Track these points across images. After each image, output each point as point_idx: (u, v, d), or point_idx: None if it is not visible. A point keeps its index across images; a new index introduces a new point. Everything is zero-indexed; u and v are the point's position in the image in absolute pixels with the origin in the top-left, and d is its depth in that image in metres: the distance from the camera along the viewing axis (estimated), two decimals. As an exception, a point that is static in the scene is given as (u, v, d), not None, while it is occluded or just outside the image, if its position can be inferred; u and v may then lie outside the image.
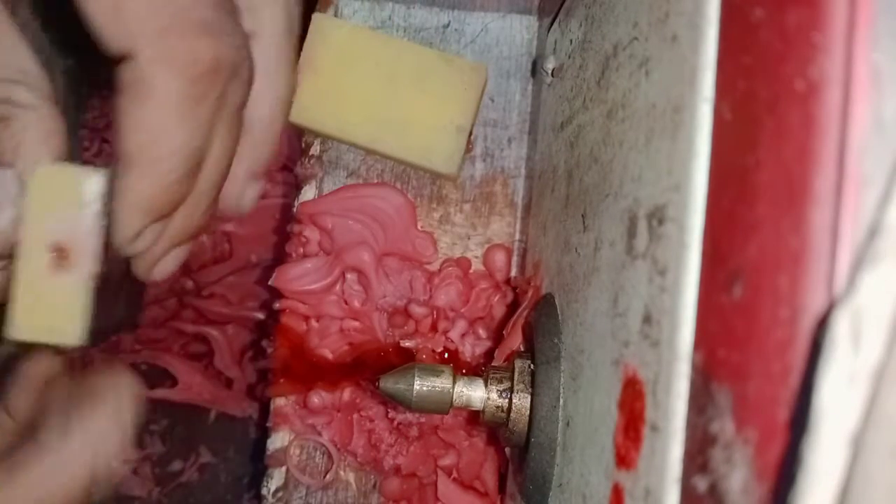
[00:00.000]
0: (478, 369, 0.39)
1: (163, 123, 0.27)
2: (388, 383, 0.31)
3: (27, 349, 0.31)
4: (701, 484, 0.17)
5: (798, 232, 0.14)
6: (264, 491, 0.41)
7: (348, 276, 0.40)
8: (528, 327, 0.33)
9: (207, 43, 0.27)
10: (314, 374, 0.40)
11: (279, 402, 0.41)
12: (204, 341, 0.55)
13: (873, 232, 0.13)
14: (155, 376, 0.54)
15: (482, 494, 0.40)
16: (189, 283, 0.55)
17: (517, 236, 0.42)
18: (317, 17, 0.40)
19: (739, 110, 0.17)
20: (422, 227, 0.41)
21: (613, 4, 0.26)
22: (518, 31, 0.43)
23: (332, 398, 0.40)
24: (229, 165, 0.32)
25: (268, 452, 0.41)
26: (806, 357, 0.14)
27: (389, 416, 0.40)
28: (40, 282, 0.28)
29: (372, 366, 0.40)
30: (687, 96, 0.19)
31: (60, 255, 0.28)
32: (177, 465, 0.54)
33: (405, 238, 0.41)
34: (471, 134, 0.40)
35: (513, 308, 0.39)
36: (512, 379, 0.31)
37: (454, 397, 0.31)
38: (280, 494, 0.41)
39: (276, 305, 0.41)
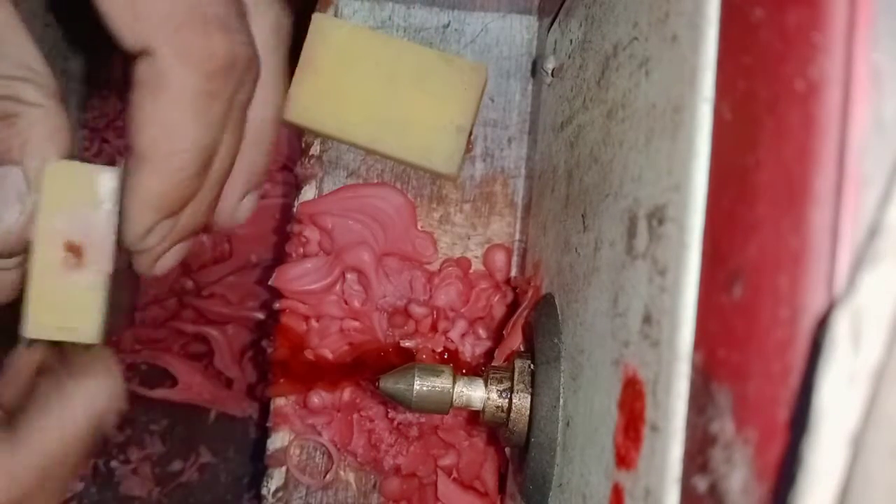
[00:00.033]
0: (478, 369, 0.39)
1: (178, 119, 0.27)
2: (388, 383, 0.31)
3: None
4: (701, 484, 0.17)
5: (798, 232, 0.14)
6: (264, 491, 0.41)
7: (348, 276, 0.40)
8: (528, 327, 0.33)
9: (222, 39, 0.27)
10: (314, 374, 0.40)
11: (279, 402, 0.41)
12: (204, 341, 0.55)
13: (873, 232, 0.13)
14: (155, 376, 0.54)
15: (482, 494, 0.40)
16: (189, 283, 0.55)
17: (517, 236, 0.42)
18: (317, 17, 0.40)
19: (739, 110, 0.17)
20: (422, 227, 0.41)
21: (613, 4, 0.26)
22: (518, 31, 0.43)
23: (332, 398, 0.40)
24: (233, 164, 0.32)
25: (268, 452, 0.41)
26: (806, 357, 0.14)
27: (389, 416, 0.40)
28: (54, 280, 0.28)
29: (372, 366, 0.40)
30: (687, 96, 0.19)
31: (74, 253, 0.28)
32: (177, 465, 0.54)
33: (405, 238, 0.41)
34: (471, 134, 0.40)
35: (513, 308, 0.39)
36: (512, 379, 0.31)
37: (454, 397, 0.31)
38: (280, 494, 0.41)
39: (276, 305, 0.41)
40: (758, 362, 0.15)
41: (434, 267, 0.41)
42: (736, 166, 0.17)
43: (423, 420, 0.40)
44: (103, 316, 0.30)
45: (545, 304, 0.31)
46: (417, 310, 0.40)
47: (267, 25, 0.32)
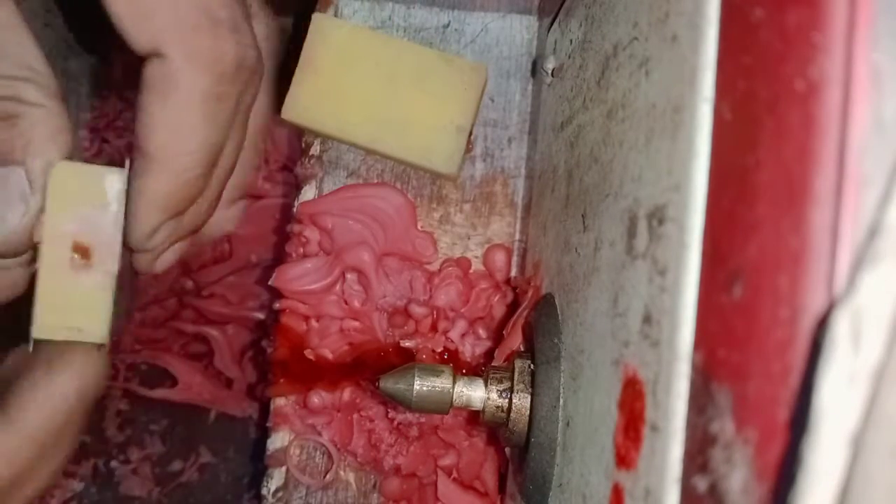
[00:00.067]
0: (478, 369, 0.39)
1: (187, 121, 0.28)
2: (388, 383, 0.31)
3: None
4: (701, 484, 0.17)
5: (798, 232, 0.14)
6: (264, 491, 0.41)
7: (348, 276, 0.40)
8: (528, 327, 0.33)
9: (231, 41, 0.28)
10: (314, 374, 0.40)
11: (279, 402, 0.41)
12: (204, 341, 0.55)
13: (873, 232, 0.13)
14: (155, 376, 0.54)
15: (482, 494, 0.40)
16: (189, 283, 0.55)
17: (517, 236, 0.42)
18: (317, 17, 0.40)
19: (739, 110, 0.17)
20: (422, 227, 0.41)
21: (613, 4, 0.26)
22: (518, 31, 0.43)
23: (332, 398, 0.40)
24: (235, 164, 0.32)
25: (268, 452, 0.41)
26: (806, 357, 0.14)
27: (389, 416, 0.40)
28: (62, 281, 0.28)
29: (372, 366, 0.40)
30: (687, 96, 0.19)
31: (82, 254, 0.28)
32: (177, 465, 0.54)
33: (405, 238, 0.41)
34: (471, 134, 0.40)
35: (513, 308, 0.39)
36: (512, 379, 0.31)
37: (454, 397, 0.31)
38: (280, 494, 0.41)
39: (276, 305, 0.41)
40: (758, 362, 0.15)
41: (434, 267, 0.41)
42: (736, 166, 0.17)
43: (423, 420, 0.40)
44: (110, 316, 0.30)
45: (545, 304, 0.31)
46: (417, 310, 0.40)
47: (260, 32, 0.32)
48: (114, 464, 0.54)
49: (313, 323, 0.40)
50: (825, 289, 0.14)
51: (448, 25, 0.42)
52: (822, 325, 0.13)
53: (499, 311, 0.41)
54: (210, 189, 0.31)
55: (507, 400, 0.31)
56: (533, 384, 0.30)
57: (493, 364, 0.34)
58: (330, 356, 0.40)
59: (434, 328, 0.40)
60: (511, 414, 0.30)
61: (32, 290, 0.30)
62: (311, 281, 0.40)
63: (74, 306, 0.29)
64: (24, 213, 0.28)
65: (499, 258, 0.41)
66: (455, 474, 0.40)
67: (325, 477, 0.41)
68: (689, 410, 0.18)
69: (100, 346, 0.30)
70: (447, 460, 0.40)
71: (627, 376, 0.21)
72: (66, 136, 0.29)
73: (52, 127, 0.28)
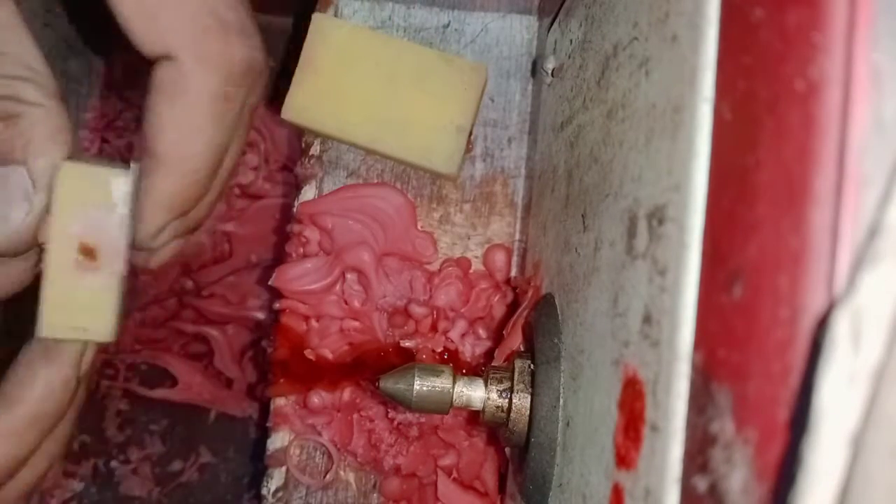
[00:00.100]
0: (478, 369, 0.39)
1: (197, 122, 0.28)
2: (388, 383, 0.31)
3: None
4: (701, 484, 0.17)
5: (798, 232, 0.14)
6: (264, 491, 0.41)
7: (348, 276, 0.40)
8: (528, 327, 0.33)
9: (241, 44, 0.28)
10: (314, 374, 0.40)
11: (279, 402, 0.41)
12: (204, 341, 0.55)
13: (873, 232, 0.13)
14: (155, 376, 0.54)
15: (482, 494, 0.40)
16: (189, 283, 0.55)
17: (517, 236, 0.42)
18: (317, 17, 0.40)
19: (739, 110, 0.17)
20: (422, 227, 0.41)
21: (613, 4, 0.26)
22: (518, 31, 0.43)
23: (332, 398, 0.40)
24: (236, 164, 0.33)
25: (268, 452, 0.41)
26: (806, 357, 0.14)
27: (389, 416, 0.40)
28: (69, 281, 0.29)
29: (372, 366, 0.40)
30: (687, 96, 0.19)
31: (88, 255, 0.28)
32: (177, 465, 0.54)
33: (405, 238, 0.41)
34: (471, 134, 0.40)
35: (513, 308, 0.39)
36: (512, 379, 0.31)
37: (454, 397, 0.31)
38: (280, 494, 0.41)
39: (276, 305, 0.41)
40: (758, 362, 0.15)
41: (434, 267, 0.41)
42: (736, 166, 0.17)
43: (423, 420, 0.40)
44: (116, 315, 0.30)
45: (545, 304, 0.31)
46: (417, 310, 0.40)
47: None
48: (114, 464, 0.54)
49: (313, 323, 0.40)
50: (825, 289, 0.14)
51: (448, 25, 0.42)
52: (822, 325, 0.13)
53: (499, 311, 0.41)
54: (212, 189, 0.32)
55: (507, 400, 0.31)
56: (533, 384, 0.30)
57: (493, 364, 0.34)
58: (330, 356, 0.40)
59: (434, 328, 0.40)
60: (511, 414, 0.30)
61: (35, 288, 0.31)
62: (311, 281, 0.40)
63: (80, 306, 0.29)
64: (28, 211, 0.28)
65: (499, 258, 0.41)
66: (455, 474, 0.40)
67: (325, 477, 0.41)
68: (689, 410, 0.18)
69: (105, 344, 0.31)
70: (447, 460, 0.40)
71: (627, 376, 0.21)
72: (67, 136, 0.29)
73: (52, 126, 0.28)
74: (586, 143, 0.28)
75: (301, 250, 0.41)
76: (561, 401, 0.28)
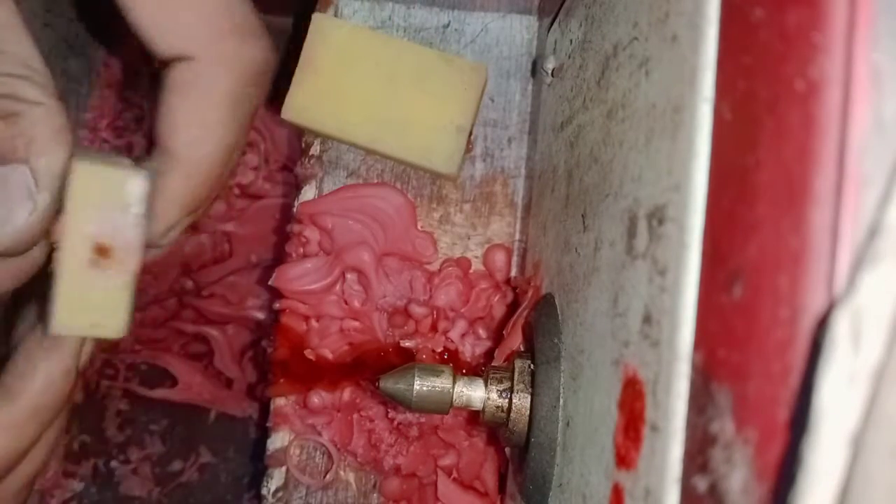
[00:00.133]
0: (478, 369, 0.39)
1: (213, 121, 0.29)
2: (388, 383, 0.31)
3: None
4: (701, 484, 0.17)
5: (798, 232, 0.14)
6: (264, 491, 0.41)
7: (348, 276, 0.40)
8: (528, 327, 0.33)
9: (256, 45, 0.29)
10: (314, 374, 0.40)
11: (279, 402, 0.41)
12: (204, 341, 0.55)
13: (873, 232, 0.13)
14: (155, 376, 0.54)
15: (482, 494, 0.40)
16: (189, 283, 0.55)
17: (517, 236, 0.42)
18: (317, 17, 0.40)
19: (739, 110, 0.17)
20: (422, 227, 0.41)
21: (613, 4, 0.26)
22: (518, 31, 0.43)
23: (332, 398, 0.40)
24: (237, 164, 0.33)
25: (268, 452, 0.41)
26: (806, 357, 0.14)
27: (389, 416, 0.40)
28: (82, 280, 0.29)
29: (372, 366, 0.40)
30: (687, 96, 0.19)
31: (103, 254, 0.29)
32: (177, 465, 0.54)
33: (405, 238, 0.41)
34: (471, 134, 0.40)
35: (513, 308, 0.39)
36: (512, 379, 0.31)
37: (454, 397, 0.31)
38: (280, 494, 0.41)
39: (276, 305, 0.41)
40: (758, 362, 0.15)
41: (434, 267, 0.41)
42: (736, 166, 0.17)
43: (423, 420, 0.40)
44: (128, 313, 0.30)
45: (545, 304, 0.31)
46: (417, 310, 0.40)
47: None
48: (114, 464, 0.54)
49: (313, 323, 0.40)
50: (825, 289, 0.14)
51: (448, 25, 0.42)
52: (822, 325, 0.13)
53: (499, 311, 0.41)
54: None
55: (507, 400, 0.31)
56: (533, 384, 0.30)
57: (493, 364, 0.34)
58: (330, 356, 0.40)
59: (434, 328, 0.40)
60: (511, 414, 0.30)
61: (38, 286, 0.31)
62: (311, 281, 0.40)
63: (94, 304, 0.29)
64: (32, 210, 0.28)
65: (499, 258, 0.41)
66: (455, 474, 0.40)
67: (325, 477, 0.41)
68: (689, 410, 0.18)
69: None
70: (447, 460, 0.40)
71: (627, 376, 0.21)
72: (68, 135, 0.29)
73: (54, 125, 0.28)
74: (586, 143, 0.28)
75: (301, 250, 0.41)
76: (561, 401, 0.28)
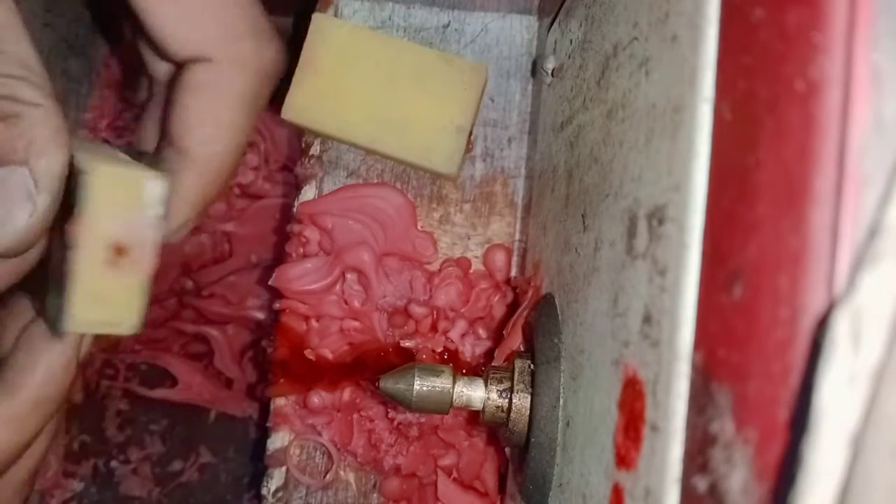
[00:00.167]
0: (478, 369, 0.39)
1: (228, 121, 0.30)
2: (388, 383, 0.31)
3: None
4: (701, 484, 0.17)
5: (798, 232, 0.14)
6: (264, 491, 0.41)
7: (348, 276, 0.40)
8: (528, 327, 0.33)
9: (269, 47, 0.30)
10: (314, 374, 0.40)
11: (279, 402, 0.41)
12: (204, 341, 0.55)
13: (873, 232, 0.13)
14: (155, 376, 0.54)
15: (482, 494, 0.40)
16: (189, 283, 0.55)
17: (517, 236, 0.42)
18: (317, 17, 0.40)
19: (739, 110, 0.17)
20: (422, 227, 0.41)
21: (613, 4, 0.26)
22: (518, 31, 0.43)
23: (332, 398, 0.40)
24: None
25: (268, 452, 0.41)
26: (806, 357, 0.14)
27: (389, 416, 0.40)
28: (98, 279, 0.29)
29: (372, 366, 0.40)
30: (687, 96, 0.19)
31: (119, 254, 0.29)
32: (177, 465, 0.54)
33: (405, 238, 0.41)
34: (471, 134, 0.40)
35: (513, 308, 0.39)
36: (512, 379, 0.31)
37: (454, 397, 0.31)
38: (280, 494, 0.41)
39: (276, 305, 0.41)
40: (758, 362, 0.15)
41: (434, 267, 0.41)
42: (736, 166, 0.17)
43: (423, 420, 0.40)
44: (142, 311, 0.31)
45: (545, 304, 0.31)
46: (417, 310, 0.40)
47: None
48: (114, 464, 0.54)
49: (313, 323, 0.40)
50: (825, 289, 0.14)
51: (448, 25, 0.42)
52: (822, 325, 0.13)
53: (499, 311, 0.41)
54: None
55: (507, 400, 0.31)
56: (533, 384, 0.30)
57: (493, 364, 0.34)
58: (330, 356, 0.40)
59: (434, 328, 0.40)
60: (511, 414, 0.30)
61: (33, 281, 0.31)
62: (311, 281, 0.40)
63: (109, 303, 0.29)
64: (32, 212, 0.28)
65: (499, 258, 0.41)
66: (455, 474, 0.40)
67: (325, 477, 0.41)
68: (689, 410, 0.18)
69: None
70: (447, 460, 0.40)
71: (627, 376, 0.21)
72: (66, 136, 0.29)
73: (52, 126, 0.28)
74: (586, 143, 0.28)
75: (301, 250, 0.41)
76: (561, 401, 0.28)
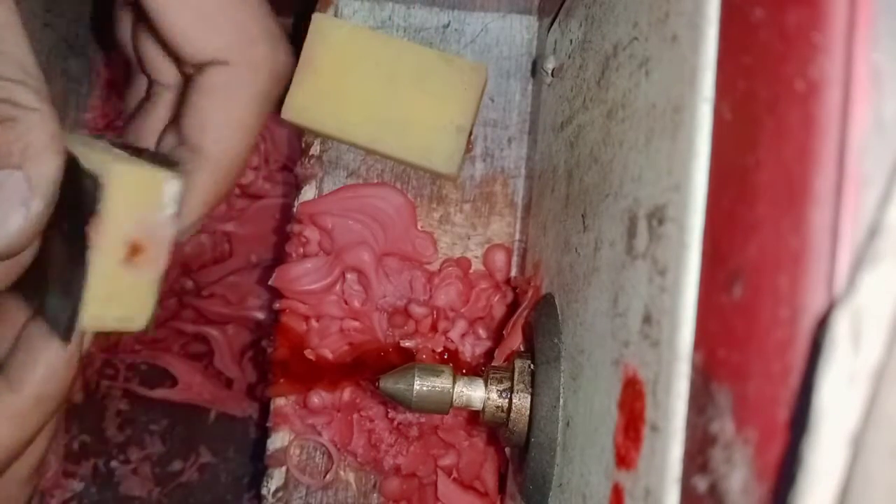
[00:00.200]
0: (478, 369, 0.39)
1: (242, 122, 0.31)
2: (388, 383, 0.31)
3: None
4: (701, 484, 0.17)
5: (798, 232, 0.14)
6: (264, 491, 0.41)
7: (348, 276, 0.40)
8: (528, 327, 0.33)
9: (281, 50, 0.31)
10: (314, 374, 0.40)
11: (279, 402, 0.41)
12: (204, 341, 0.55)
13: (873, 232, 0.13)
14: (155, 376, 0.54)
15: (482, 494, 0.40)
16: (189, 283, 0.55)
17: (517, 236, 0.42)
18: (317, 17, 0.40)
19: (739, 110, 0.17)
20: (422, 227, 0.41)
21: (613, 4, 0.26)
22: (518, 31, 0.43)
23: (332, 398, 0.40)
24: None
25: (268, 452, 0.41)
26: (806, 357, 0.14)
27: (389, 416, 0.40)
28: (114, 277, 0.29)
29: (372, 366, 0.40)
30: (687, 96, 0.19)
31: (136, 252, 0.29)
32: (177, 465, 0.54)
33: (405, 238, 0.41)
34: (471, 134, 0.40)
35: (513, 308, 0.39)
36: (512, 379, 0.31)
37: (454, 397, 0.31)
38: (280, 494, 0.41)
39: (276, 305, 0.41)
40: (758, 362, 0.15)
41: (434, 267, 0.41)
42: (736, 166, 0.17)
43: (423, 420, 0.40)
44: (154, 308, 0.31)
45: (545, 304, 0.31)
46: (417, 310, 0.40)
47: None
48: (114, 464, 0.54)
49: (313, 323, 0.40)
50: (825, 289, 0.14)
51: (448, 25, 0.42)
52: (822, 325, 0.13)
53: (499, 311, 0.41)
54: None
55: (507, 400, 0.31)
56: (533, 384, 0.30)
57: (493, 364, 0.34)
58: (330, 356, 0.40)
59: (434, 328, 0.40)
60: (511, 414, 0.30)
61: (29, 280, 0.31)
62: (311, 281, 0.40)
63: (123, 301, 0.30)
64: (26, 216, 0.28)
65: (499, 258, 0.41)
66: (455, 474, 0.40)
67: (325, 477, 0.41)
68: (689, 410, 0.18)
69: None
70: (447, 460, 0.40)
71: (627, 376, 0.21)
72: (61, 141, 0.29)
73: (48, 131, 0.28)
74: (586, 143, 0.28)
75: (301, 250, 0.41)
76: (561, 401, 0.28)
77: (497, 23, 0.42)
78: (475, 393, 0.31)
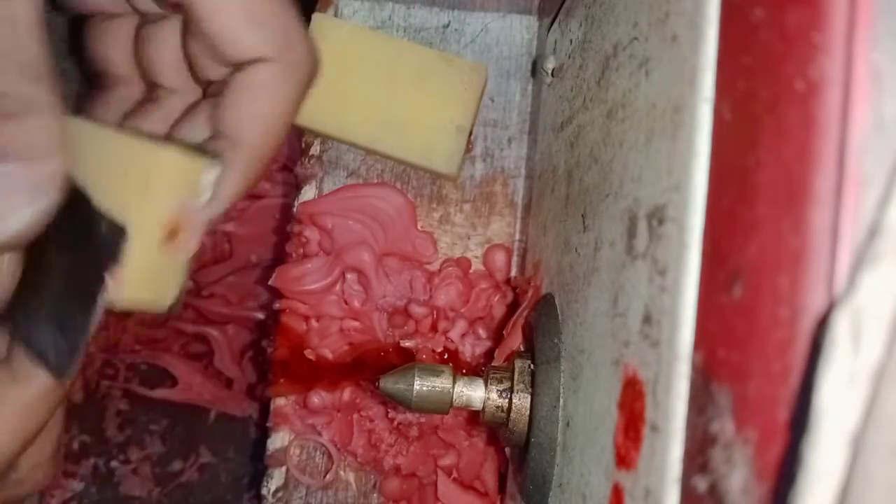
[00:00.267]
0: (478, 369, 0.39)
1: (278, 117, 0.33)
2: (388, 383, 0.32)
3: None
4: (701, 484, 0.17)
5: (798, 232, 0.14)
6: (264, 491, 0.41)
7: (348, 276, 0.40)
8: (528, 327, 0.33)
9: (313, 51, 0.33)
10: (314, 374, 0.40)
11: (279, 402, 0.41)
12: (204, 341, 0.55)
13: (873, 232, 0.13)
14: (155, 376, 0.54)
15: (482, 494, 0.40)
16: (189, 283, 0.55)
17: (517, 236, 0.42)
18: (317, 17, 0.40)
19: (739, 110, 0.17)
20: (422, 227, 0.41)
21: (613, 4, 0.26)
22: (518, 31, 0.43)
23: (332, 398, 0.40)
24: None
25: (268, 452, 0.41)
26: (806, 357, 0.14)
27: (389, 416, 0.40)
28: (149, 259, 0.30)
29: (372, 366, 0.40)
30: (687, 96, 0.19)
31: (172, 235, 0.30)
32: (177, 465, 0.54)
33: (405, 238, 0.41)
34: (471, 134, 0.40)
35: (513, 308, 0.39)
36: (512, 379, 0.31)
37: (454, 397, 0.31)
38: (280, 494, 0.41)
39: (276, 305, 0.41)
40: (758, 362, 0.15)
41: (434, 267, 0.41)
42: (736, 166, 0.17)
43: (423, 420, 0.40)
44: (182, 288, 0.32)
45: (545, 304, 0.31)
46: (417, 310, 0.40)
47: None
48: (114, 464, 0.54)
49: (313, 323, 0.40)
50: (825, 289, 0.14)
51: (448, 25, 0.42)
52: (822, 325, 0.13)
53: (499, 311, 0.41)
54: None
55: (507, 400, 0.31)
56: (533, 384, 0.30)
57: (493, 364, 0.34)
58: (330, 356, 0.40)
59: (434, 328, 0.40)
60: (511, 414, 0.30)
61: (30, 277, 0.31)
62: (312, 281, 0.40)
63: (156, 280, 0.31)
64: (31, 211, 0.28)
65: (499, 258, 0.41)
66: (455, 474, 0.40)
67: (325, 477, 0.41)
68: (689, 410, 0.18)
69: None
70: (447, 460, 0.40)
71: (627, 376, 0.21)
72: (66, 136, 0.29)
73: (56, 127, 0.28)
74: (586, 143, 0.28)
75: (301, 250, 0.41)
76: (561, 401, 0.28)
77: (497, 23, 0.42)
78: (475, 393, 0.31)
